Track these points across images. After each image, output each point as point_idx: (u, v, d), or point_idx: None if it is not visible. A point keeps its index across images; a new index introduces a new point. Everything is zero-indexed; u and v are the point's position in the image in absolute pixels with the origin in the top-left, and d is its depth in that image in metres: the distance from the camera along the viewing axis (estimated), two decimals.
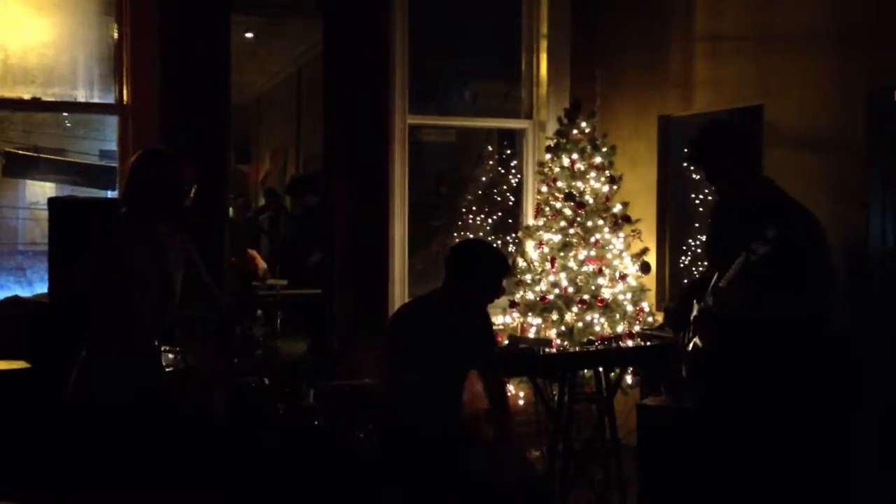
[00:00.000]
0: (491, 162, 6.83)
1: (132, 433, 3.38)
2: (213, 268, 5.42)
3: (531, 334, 5.60)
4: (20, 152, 7.33)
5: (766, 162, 4.99)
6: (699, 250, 5.87)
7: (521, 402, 5.92)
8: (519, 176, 6.67)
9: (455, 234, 6.68)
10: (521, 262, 5.90)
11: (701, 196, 5.88)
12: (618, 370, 5.10)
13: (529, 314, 5.73)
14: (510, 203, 6.69)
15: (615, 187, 5.84)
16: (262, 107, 11.60)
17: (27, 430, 4.30)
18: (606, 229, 5.73)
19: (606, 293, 5.61)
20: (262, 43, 9.28)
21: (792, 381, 3.66)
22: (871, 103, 4.67)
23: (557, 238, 5.74)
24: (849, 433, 4.33)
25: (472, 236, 6.61)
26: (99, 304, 3.44)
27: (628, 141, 6.20)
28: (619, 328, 5.52)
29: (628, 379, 5.51)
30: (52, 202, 4.98)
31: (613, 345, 4.89)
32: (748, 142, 3.90)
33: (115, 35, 5.66)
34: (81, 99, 5.87)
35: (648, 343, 4.90)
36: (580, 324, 5.56)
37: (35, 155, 7.47)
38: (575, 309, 5.59)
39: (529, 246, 5.89)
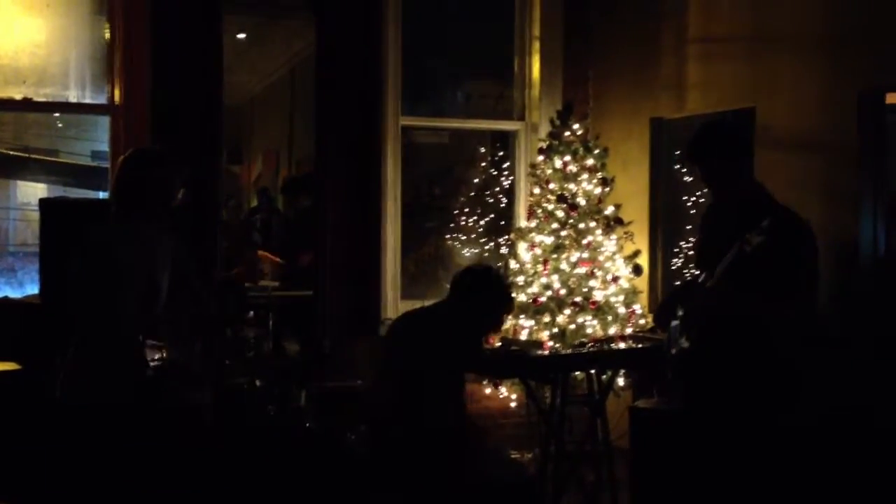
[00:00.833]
0: (483, 163, 6.83)
1: (120, 433, 3.38)
2: (205, 269, 5.45)
3: (523, 336, 5.60)
4: (11, 153, 7.31)
5: (757, 164, 4.97)
6: (691, 252, 5.88)
7: (513, 405, 5.92)
8: (511, 178, 6.67)
9: (447, 236, 6.67)
10: (513, 264, 5.90)
11: (693, 198, 5.89)
12: (610, 372, 5.11)
13: (522, 316, 5.73)
14: (502, 205, 6.69)
15: (607, 189, 5.84)
16: (254, 107, 11.58)
17: (18, 432, 4.28)
18: (599, 231, 5.73)
19: (599, 295, 5.61)
20: (254, 44, 9.26)
21: (779, 384, 3.66)
22: (862, 105, 4.69)
23: (550, 240, 5.74)
24: (838, 435, 4.34)
25: (461, 243, 6.61)
26: (85, 303, 3.44)
27: (621, 143, 6.20)
28: (612, 330, 5.52)
29: (620, 381, 5.51)
30: (44, 203, 4.97)
31: (605, 347, 4.90)
32: (745, 143, 3.90)
33: (107, 35, 5.65)
34: (73, 99, 5.85)
35: (640, 345, 4.91)
36: (572, 326, 5.56)
37: (26, 156, 7.45)
38: (567, 311, 5.59)
39: (522, 248, 5.89)
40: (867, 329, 4.55)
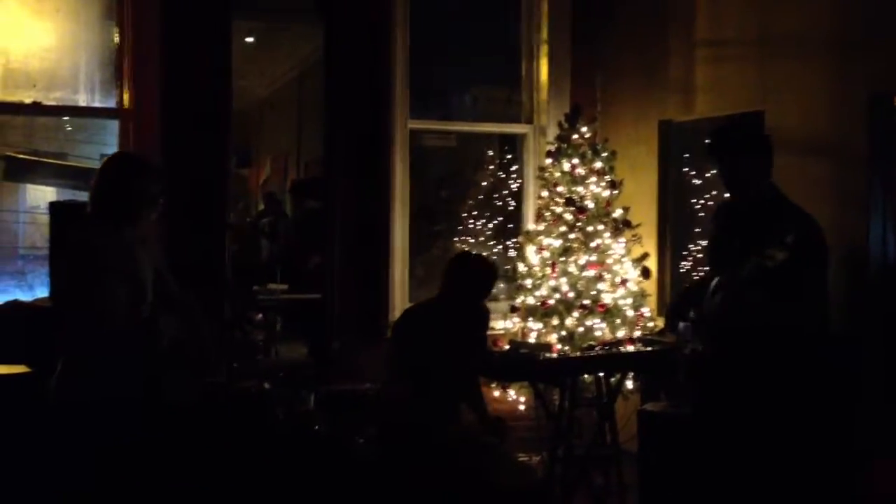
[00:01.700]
0: (492, 167, 6.83)
1: (122, 432, 3.39)
2: (213, 271, 5.46)
3: (532, 339, 5.60)
4: (21, 156, 7.33)
5: None
6: (700, 255, 5.87)
7: (521, 408, 5.92)
8: (520, 181, 6.67)
9: (456, 239, 6.68)
10: (521, 267, 5.90)
11: (702, 201, 5.88)
12: (618, 375, 5.10)
13: (530, 319, 5.73)
14: (511, 208, 6.69)
15: (616, 192, 5.84)
16: (263, 111, 11.61)
17: (28, 435, 4.29)
18: (607, 234, 5.72)
19: (607, 298, 5.61)
20: (263, 48, 9.28)
21: (790, 388, 3.66)
22: (871, 108, 4.67)
23: (558, 243, 5.74)
24: (848, 440, 4.33)
25: (469, 245, 6.61)
26: (71, 303, 3.45)
27: (629, 146, 6.20)
28: (620, 333, 5.51)
29: (629, 384, 5.50)
30: (53, 206, 4.99)
31: (614, 350, 4.89)
32: (768, 142, 3.89)
33: (117, 39, 5.66)
34: (82, 103, 5.88)
35: (649, 348, 4.90)
36: (581, 329, 5.56)
37: (36, 159, 7.46)
38: (576, 314, 5.59)
39: (530, 251, 5.89)
40: (877, 332, 4.54)
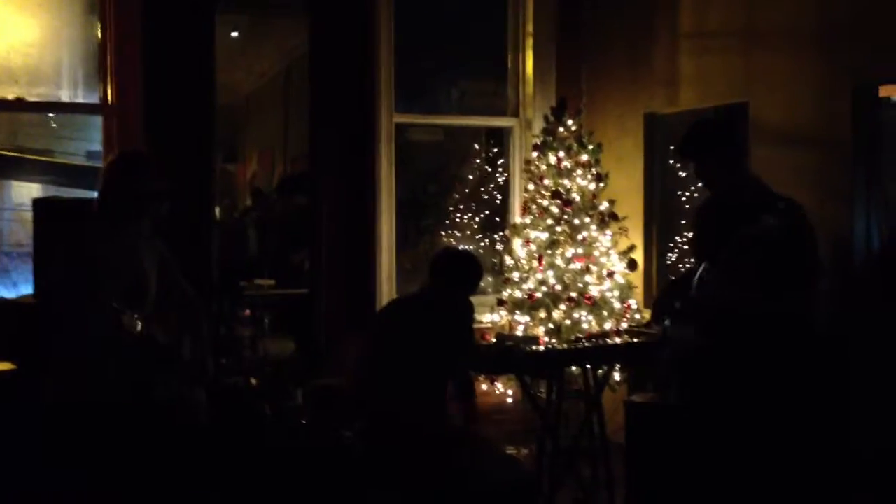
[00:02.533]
0: (478, 160, 6.83)
1: (109, 432, 3.39)
2: (200, 268, 5.45)
3: (519, 332, 5.60)
4: (4, 153, 7.29)
5: (751, 159, 4.99)
6: (686, 247, 5.88)
7: (509, 400, 5.92)
8: (506, 174, 6.67)
9: (443, 233, 6.68)
10: (508, 261, 5.91)
11: (687, 193, 5.89)
12: (605, 367, 5.11)
13: (517, 312, 5.74)
14: (497, 201, 6.69)
15: (602, 185, 5.85)
16: (249, 106, 11.56)
17: (13, 432, 4.28)
18: (593, 227, 5.73)
19: (594, 290, 5.62)
20: (248, 42, 9.25)
21: (778, 377, 3.67)
22: (855, 99, 4.69)
23: (545, 236, 5.74)
24: (835, 430, 4.35)
25: (456, 239, 6.62)
26: (69, 301, 3.45)
27: (614, 138, 6.20)
28: (607, 325, 5.53)
29: (616, 376, 5.52)
30: (37, 203, 4.96)
31: (601, 342, 4.90)
32: (735, 137, 3.94)
33: (99, 35, 5.64)
34: (66, 99, 5.85)
35: (636, 340, 4.91)
36: (568, 321, 5.57)
37: (20, 156, 7.43)
38: (563, 306, 5.60)
39: (517, 244, 5.90)
40: (862, 323, 4.55)
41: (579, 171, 5.80)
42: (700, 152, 3.86)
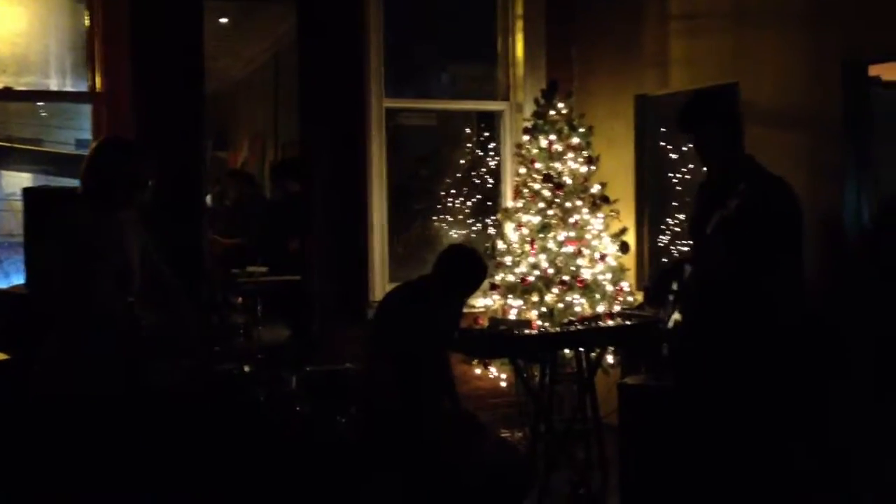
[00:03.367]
0: (469, 144, 6.82)
1: (104, 423, 3.39)
2: (191, 255, 5.44)
3: (512, 316, 5.61)
4: None
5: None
6: (678, 229, 5.89)
7: (502, 384, 5.94)
8: (497, 158, 6.66)
9: (435, 218, 6.67)
10: (500, 245, 5.90)
11: (678, 175, 5.89)
12: (598, 350, 5.12)
13: (510, 296, 5.74)
14: (489, 185, 6.68)
15: (593, 168, 5.84)
16: (239, 93, 11.52)
17: (5, 422, 4.27)
18: (585, 210, 5.73)
19: (586, 274, 5.63)
20: (237, 28, 9.20)
21: (772, 360, 3.68)
22: (845, 78, 4.69)
23: (536, 220, 5.74)
24: (826, 409, 4.37)
25: (448, 224, 6.61)
26: (61, 288, 3.44)
27: (605, 121, 6.20)
28: (600, 308, 5.53)
29: (609, 358, 5.53)
30: (27, 192, 4.94)
31: (594, 325, 4.91)
32: (736, 111, 3.92)
33: (87, 22, 5.60)
34: (54, 88, 5.82)
35: (628, 322, 4.91)
36: (560, 305, 5.58)
37: (9, 145, 7.41)
38: (555, 290, 5.60)
39: (509, 228, 5.89)
40: (852, 301, 4.57)
41: (570, 155, 5.80)
42: (700, 122, 3.82)
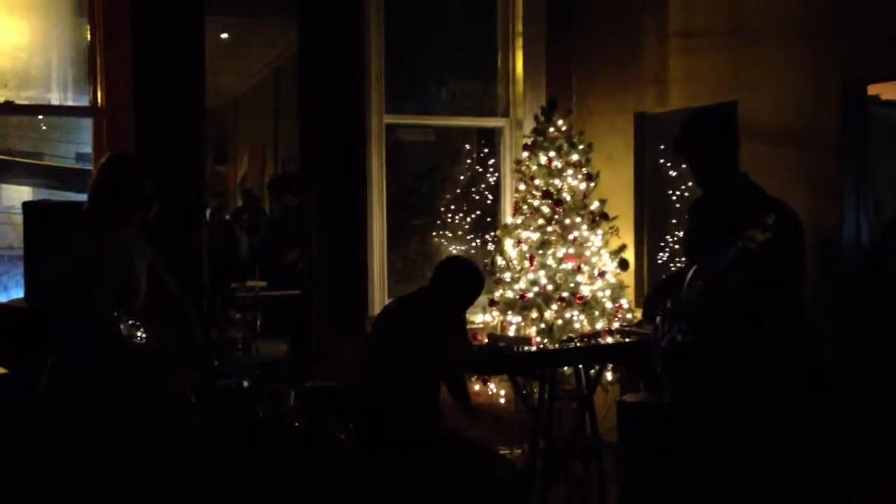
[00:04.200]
0: (469, 160, 6.83)
1: (103, 436, 3.39)
2: (192, 270, 5.44)
3: (511, 332, 5.60)
4: None
5: (741, 157, 5.00)
6: (677, 246, 5.89)
7: (501, 401, 5.93)
8: (496, 174, 6.67)
9: (434, 233, 6.68)
10: (499, 261, 5.90)
11: (678, 192, 5.90)
12: (597, 367, 5.11)
13: (509, 312, 5.74)
14: (488, 201, 6.69)
15: (592, 184, 5.85)
16: (239, 107, 11.55)
17: (4, 437, 4.27)
18: (584, 226, 5.74)
19: (585, 290, 5.63)
20: (237, 43, 9.23)
21: (769, 377, 3.67)
22: (845, 97, 4.71)
23: (536, 236, 5.74)
24: (824, 428, 4.36)
25: (447, 240, 6.62)
26: (61, 302, 3.45)
27: (605, 138, 6.21)
28: (599, 325, 5.53)
29: (608, 375, 5.52)
30: (27, 206, 4.94)
31: (593, 342, 4.91)
32: (734, 129, 3.89)
33: (88, 37, 5.62)
34: (55, 102, 5.82)
35: (628, 340, 4.92)
36: (560, 321, 5.57)
37: (10, 159, 7.41)
38: (554, 306, 5.60)
39: (508, 244, 5.90)
40: (851, 319, 4.57)
41: (570, 171, 5.81)
42: (696, 141, 3.79)
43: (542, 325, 5.59)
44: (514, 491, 4.20)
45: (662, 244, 6.09)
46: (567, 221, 5.72)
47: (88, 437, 3.39)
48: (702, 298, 3.66)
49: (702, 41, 5.62)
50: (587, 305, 5.60)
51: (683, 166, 5.69)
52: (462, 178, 6.77)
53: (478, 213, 6.69)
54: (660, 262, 6.10)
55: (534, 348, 4.77)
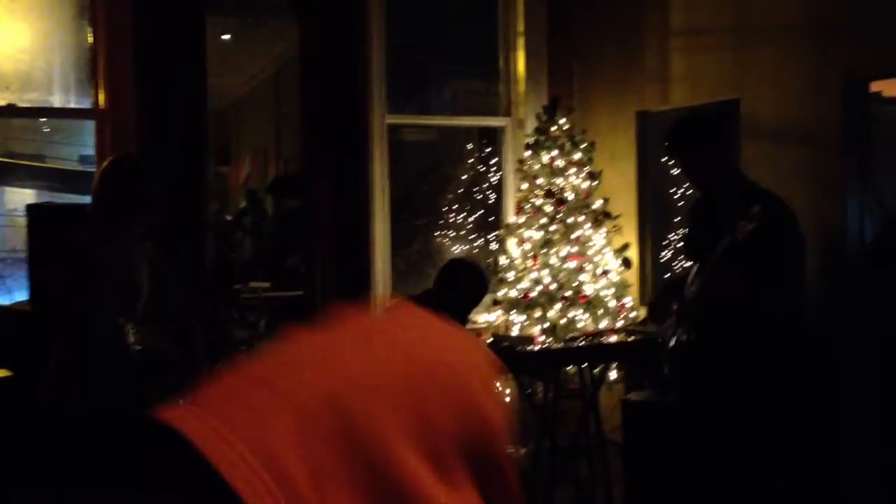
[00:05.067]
0: (471, 160, 6.83)
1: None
2: (194, 271, 5.44)
3: (514, 332, 5.60)
4: None
5: (743, 155, 5.01)
6: (680, 244, 5.89)
7: (505, 400, 5.92)
8: (499, 174, 6.67)
9: (436, 233, 6.68)
10: (503, 260, 5.90)
11: (680, 191, 5.90)
12: (602, 366, 5.11)
13: (513, 312, 5.74)
14: (491, 201, 6.69)
15: (595, 183, 5.85)
16: (241, 109, 11.56)
17: (9, 441, 4.26)
18: (587, 225, 5.74)
19: (589, 289, 5.62)
20: (239, 44, 9.24)
21: (775, 376, 3.67)
22: (846, 95, 4.70)
23: (539, 235, 5.74)
24: (830, 427, 4.36)
25: (450, 239, 6.61)
26: (66, 306, 3.45)
27: (607, 137, 6.21)
28: (603, 324, 5.53)
29: (612, 374, 5.52)
30: (31, 209, 4.95)
31: (597, 341, 4.90)
32: (723, 130, 3.88)
33: (90, 39, 5.62)
34: (58, 104, 5.84)
35: (632, 338, 4.91)
36: (563, 320, 5.57)
37: (13, 161, 7.42)
38: (558, 306, 5.60)
39: (511, 244, 5.90)
40: (854, 317, 4.57)
41: (572, 170, 5.81)
42: (683, 146, 3.79)
43: (546, 325, 5.59)
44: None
45: (665, 243, 6.08)
46: (570, 220, 5.72)
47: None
48: (701, 295, 3.66)
49: (703, 39, 5.62)
50: (591, 304, 5.60)
51: None
52: (464, 177, 6.77)
53: (480, 212, 6.69)
54: (663, 260, 6.10)
55: (537, 348, 4.77)
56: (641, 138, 6.11)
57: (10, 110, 5.74)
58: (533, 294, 5.66)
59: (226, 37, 8.93)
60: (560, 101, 6.01)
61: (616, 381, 5.60)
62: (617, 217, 5.82)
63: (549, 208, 5.74)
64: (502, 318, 5.83)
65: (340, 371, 0.99)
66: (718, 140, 3.76)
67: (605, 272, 5.68)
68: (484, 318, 5.94)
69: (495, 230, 6.51)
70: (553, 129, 5.87)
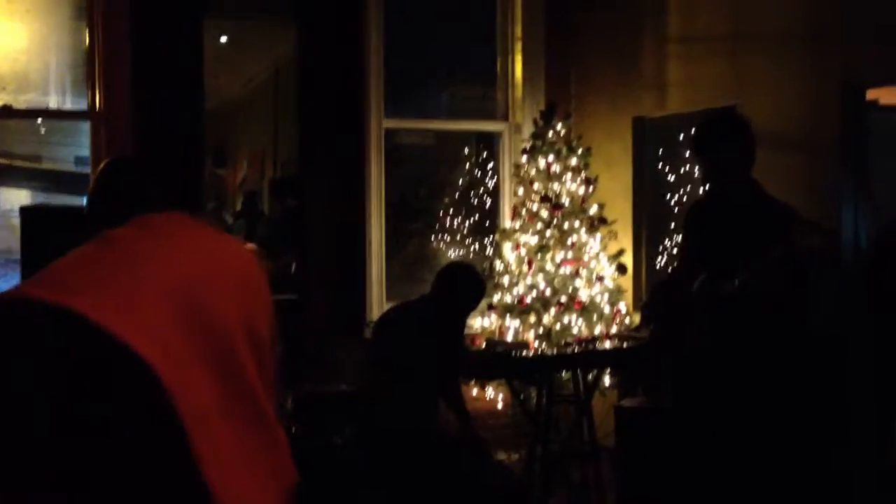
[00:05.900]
0: (467, 164, 6.83)
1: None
2: None
3: (509, 337, 5.60)
4: None
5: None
6: (675, 251, 5.88)
7: (499, 405, 5.92)
8: (495, 178, 6.67)
9: (432, 237, 6.67)
10: (498, 265, 5.90)
11: (676, 197, 5.90)
12: (595, 372, 5.11)
13: (507, 316, 5.73)
14: (487, 205, 6.69)
15: (591, 189, 5.85)
16: (238, 111, 11.55)
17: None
18: (583, 231, 5.73)
19: (583, 295, 5.62)
20: (237, 47, 9.23)
21: (774, 382, 3.66)
22: (844, 101, 4.71)
23: (534, 240, 5.74)
24: (830, 435, 4.35)
25: (446, 244, 6.61)
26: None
27: (603, 142, 6.21)
28: (597, 330, 5.53)
29: (606, 380, 5.52)
30: (25, 210, 4.93)
31: (591, 347, 4.90)
32: (752, 138, 3.81)
33: (87, 41, 5.62)
34: (54, 106, 5.83)
35: (626, 344, 4.92)
36: (558, 326, 5.57)
37: (7, 162, 7.41)
38: (552, 311, 5.59)
39: (506, 248, 5.89)
40: (851, 324, 4.56)
41: (568, 176, 5.81)
42: (716, 146, 3.70)
43: (541, 330, 5.58)
44: (511, 497, 4.19)
45: (661, 249, 6.08)
46: (565, 226, 5.71)
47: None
48: (742, 294, 3.57)
49: (700, 45, 5.62)
50: (585, 310, 5.60)
51: (681, 171, 5.71)
52: (461, 182, 6.77)
53: (476, 216, 6.69)
54: (658, 266, 6.10)
55: (532, 353, 4.76)
56: (638, 144, 6.11)
57: (6, 111, 5.73)
58: (528, 299, 5.65)
59: (223, 39, 8.92)
60: (557, 106, 6.01)
61: (609, 386, 5.59)
62: (612, 223, 5.81)
63: (544, 213, 5.74)
64: (497, 323, 5.82)
65: (186, 266, 1.10)
66: (746, 145, 3.71)
67: (600, 278, 5.68)
68: (479, 322, 5.93)
69: (491, 234, 6.51)
70: (550, 134, 5.88)
